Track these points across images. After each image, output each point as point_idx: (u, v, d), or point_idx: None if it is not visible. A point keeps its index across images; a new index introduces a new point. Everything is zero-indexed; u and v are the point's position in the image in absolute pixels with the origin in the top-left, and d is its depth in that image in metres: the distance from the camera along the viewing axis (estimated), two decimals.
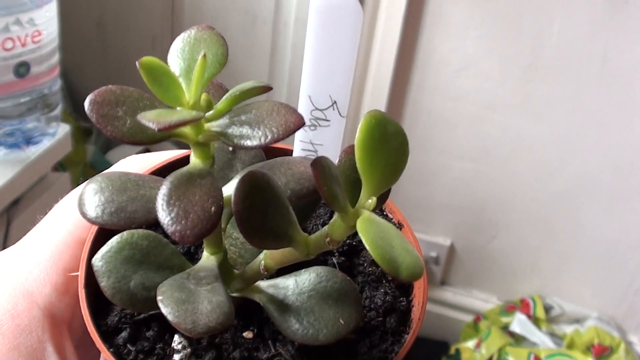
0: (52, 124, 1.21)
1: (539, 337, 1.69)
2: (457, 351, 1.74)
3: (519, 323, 1.72)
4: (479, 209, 1.72)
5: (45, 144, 1.20)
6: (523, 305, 1.76)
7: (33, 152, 1.18)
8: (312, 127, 0.48)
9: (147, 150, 1.31)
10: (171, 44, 0.41)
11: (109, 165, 1.75)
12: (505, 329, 1.73)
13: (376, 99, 1.55)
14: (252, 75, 1.56)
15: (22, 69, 1.10)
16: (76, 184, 1.52)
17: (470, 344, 1.73)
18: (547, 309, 1.76)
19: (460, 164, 1.65)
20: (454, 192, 1.71)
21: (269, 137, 0.37)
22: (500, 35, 1.47)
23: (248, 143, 0.38)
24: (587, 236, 1.68)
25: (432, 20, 1.48)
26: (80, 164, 1.58)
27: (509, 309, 1.77)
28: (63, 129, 1.24)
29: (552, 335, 1.72)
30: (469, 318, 1.84)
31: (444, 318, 1.88)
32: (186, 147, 0.50)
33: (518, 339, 1.72)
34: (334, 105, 0.46)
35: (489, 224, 1.74)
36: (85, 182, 0.43)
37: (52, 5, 1.11)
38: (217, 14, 1.55)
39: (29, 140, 1.18)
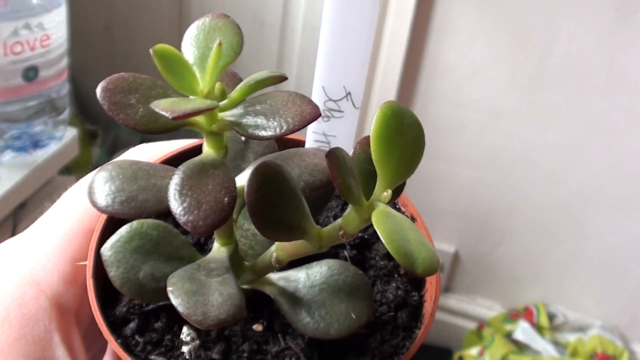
0: (59, 127, 1.20)
1: (542, 345, 1.69)
2: (461, 358, 1.74)
3: (522, 331, 1.71)
4: (484, 216, 1.72)
5: (53, 147, 1.20)
6: (527, 313, 1.76)
7: (40, 155, 1.18)
8: (326, 118, 0.47)
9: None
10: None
11: None
12: (508, 336, 1.73)
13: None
14: None
15: (30, 73, 1.10)
16: None
17: (474, 351, 1.73)
18: (551, 317, 1.76)
19: (466, 171, 1.65)
20: (458, 199, 1.71)
21: (285, 128, 0.37)
22: (507, 43, 1.47)
23: (263, 133, 0.37)
24: (592, 245, 1.67)
25: (440, 28, 1.48)
26: (86, 167, 1.58)
27: (512, 316, 1.77)
28: (70, 133, 1.24)
29: (556, 343, 1.72)
30: (472, 325, 1.84)
31: (447, 325, 1.87)
32: (194, 136, 0.50)
33: (521, 347, 1.71)
34: (348, 96, 0.46)
35: (494, 231, 1.74)
36: (95, 170, 0.43)
37: (61, 10, 1.11)
38: None
39: (36, 144, 1.18)
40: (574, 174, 1.59)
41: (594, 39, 1.41)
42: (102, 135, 1.72)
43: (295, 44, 1.52)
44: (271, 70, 0.38)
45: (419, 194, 1.69)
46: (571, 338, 1.73)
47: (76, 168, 1.52)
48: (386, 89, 1.54)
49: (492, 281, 1.83)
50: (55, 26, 1.10)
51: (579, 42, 1.42)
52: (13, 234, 1.16)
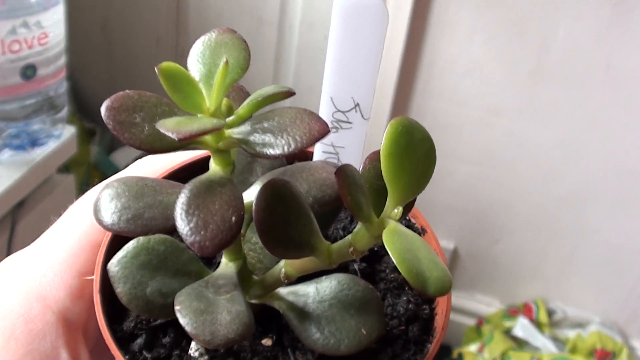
0: (57, 125, 1.20)
1: (542, 342, 1.69)
2: (460, 355, 1.74)
3: (521, 327, 1.71)
4: (483, 212, 1.72)
5: (51, 145, 1.20)
6: (526, 310, 1.76)
7: (38, 154, 1.18)
8: (334, 130, 0.47)
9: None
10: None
11: (113, 166, 1.72)
12: (507, 333, 1.73)
13: (381, 102, 1.55)
14: (257, 78, 1.55)
15: (28, 71, 1.09)
16: (80, 185, 1.51)
17: (473, 348, 1.73)
18: (550, 313, 1.76)
19: (464, 168, 1.65)
20: (457, 196, 1.71)
21: (293, 146, 0.36)
22: (505, 39, 1.47)
23: (271, 152, 0.36)
24: (591, 241, 1.67)
25: (438, 25, 1.48)
26: (84, 164, 1.58)
27: (511, 313, 1.77)
28: (68, 131, 1.24)
29: (555, 339, 1.72)
30: (471, 322, 1.84)
31: None
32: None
33: (521, 343, 1.71)
34: (357, 107, 0.45)
35: (493, 227, 1.74)
36: (101, 185, 0.42)
37: (59, 8, 1.10)
38: (222, 16, 1.54)
39: (34, 142, 1.18)
40: (573, 170, 1.58)
41: (592, 35, 1.41)
42: (101, 133, 1.72)
43: (293, 41, 1.51)
44: (278, 85, 0.38)
45: None
46: (570, 334, 1.73)
47: (75, 166, 1.52)
48: (384, 86, 1.53)
49: (491, 277, 1.83)
50: (53, 24, 1.10)
51: (577, 38, 1.42)
52: (11, 232, 1.16)
